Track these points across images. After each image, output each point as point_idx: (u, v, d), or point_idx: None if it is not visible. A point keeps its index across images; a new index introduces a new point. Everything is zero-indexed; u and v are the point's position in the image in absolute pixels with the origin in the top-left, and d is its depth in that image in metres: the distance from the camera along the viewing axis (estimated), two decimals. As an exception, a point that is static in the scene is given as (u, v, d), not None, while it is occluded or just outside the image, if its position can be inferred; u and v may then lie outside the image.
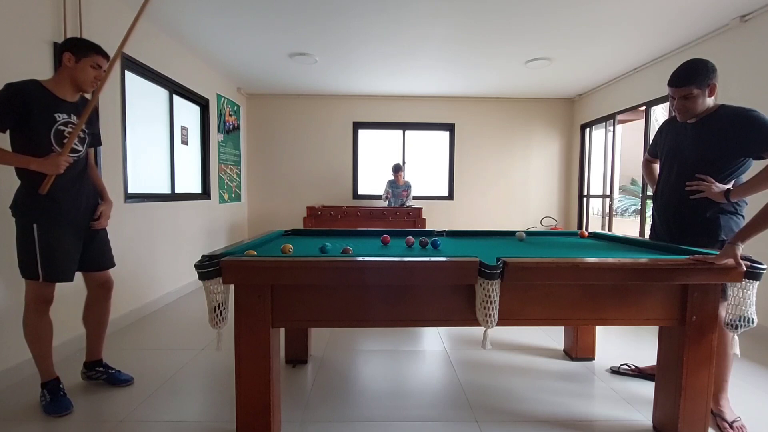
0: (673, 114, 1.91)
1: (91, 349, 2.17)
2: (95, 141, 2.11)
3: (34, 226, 1.78)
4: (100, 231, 2.06)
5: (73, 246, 1.91)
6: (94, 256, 2.04)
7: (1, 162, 1.74)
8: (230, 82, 5.24)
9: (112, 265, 2.13)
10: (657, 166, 2.12)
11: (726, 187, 1.72)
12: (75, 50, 1.84)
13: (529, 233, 2.64)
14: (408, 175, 5.31)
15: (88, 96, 2.05)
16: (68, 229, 1.87)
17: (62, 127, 1.83)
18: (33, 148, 1.76)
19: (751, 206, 1.79)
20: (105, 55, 1.92)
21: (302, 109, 5.88)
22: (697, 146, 1.78)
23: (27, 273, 1.82)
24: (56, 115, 1.82)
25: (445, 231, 2.52)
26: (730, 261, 1.47)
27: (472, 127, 5.95)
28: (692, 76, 1.71)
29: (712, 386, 1.63)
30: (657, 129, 2.11)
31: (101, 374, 2.15)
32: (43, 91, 1.80)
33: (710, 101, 1.76)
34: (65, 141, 1.82)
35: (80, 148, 1.91)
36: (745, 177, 1.78)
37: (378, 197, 5.94)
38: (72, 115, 1.87)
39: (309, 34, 3.59)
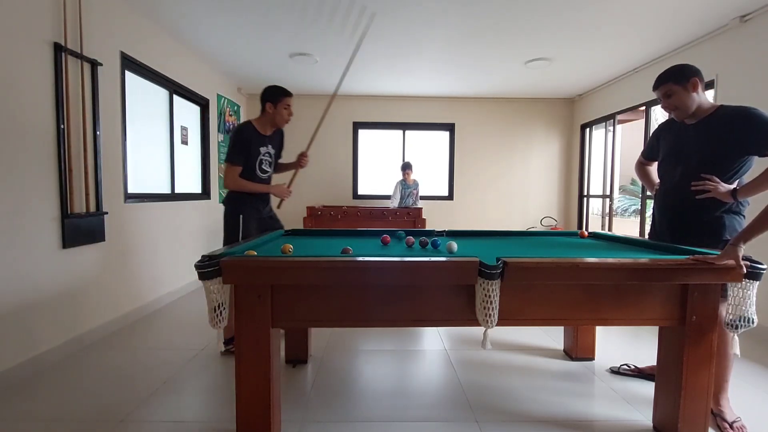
0: (670, 117, 1.94)
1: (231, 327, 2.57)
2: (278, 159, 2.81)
3: (240, 216, 2.50)
4: (275, 221, 2.74)
5: (255, 231, 2.56)
6: None
7: (248, 189, 2.51)
8: (230, 82, 5.24)
9: None
10: (651, 169, 2.18)
11: (732, 186, 1.72)
12: (272, 99, 2.50)
13: (528, 233, 2.64)
14: (412, 176, 5.35)
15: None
16: (255, 221, 2.58)
17: (263, 158, 2.56)
18: (245, 174, 2.49)
19: (752, 206, 1.79)
20: (291, 95, 2.56)
21: (302, 109, 5.86)
22: (700, 147, 1.79)
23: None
24: (261, 149, 2.53)
25: (445, 231, 2.52)
26: (731, 262, 1.47)
27: (472, 127, 5.95)
28: (668, 74, 1.81)
29: (712, 386, 1.63)
30: (653, 132, 2.13)
31: None
32: (255, 130, 2.51)
33: (697, 98, 1.78)
34: (263, 167, 2.59)
35: (269, 170, 2.67)
36: (747, 176, 1.78)
37: (380, 197, 5.95)
38: (268, 146, 2.59)
39: (309, 33, 3.59)
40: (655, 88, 1.86)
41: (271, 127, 2.60)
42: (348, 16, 3.22)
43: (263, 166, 2.58)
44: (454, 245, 1.80)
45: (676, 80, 1.78)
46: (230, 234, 2.51)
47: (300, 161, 2.78)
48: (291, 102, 2.56)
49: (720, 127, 1.73)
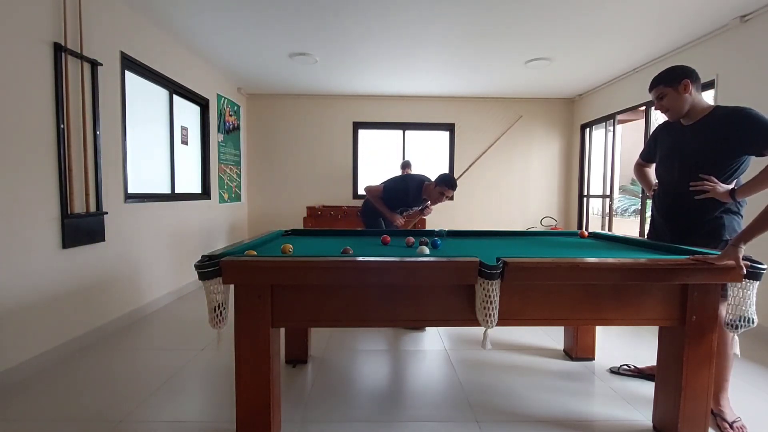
0: (666, 120, 1.96)
1: None
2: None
3: (381, 219, 3.25)
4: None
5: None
6: None
7: (377, 205, 3.19)
8: (230, 82, 5.24)
9: None
10: (649, 170, 2.20)
11: (730, 186, 1.72)
12: (438, 182, 2.97)
13: (528, 233, 2.64)
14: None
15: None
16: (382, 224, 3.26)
17: (406, 209, 3.23)
18: (388, 202, 3.15)
19: (751, 207, 1.79)
20: (451, 188, 2.99)
21: (302, 109, 5.88)
22: (697, 147, 1.79)
23: None
24: (413, 205, 3.18)
25: (445, 231, 2.52)
26: (731, 262, 1.47)
27: (472, 127, 5.95)
28: (660, 77, 1.85)
29: (712, 386, 1.63)
30: (651, 135, 2.13)
31: None
32: (420, 193, 3.10)
33: (690, 99, 1.80)
34: (406, 214, 3.27)
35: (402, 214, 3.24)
36: (744, 176, 1.78)
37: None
38: (416, 205, 3.20)
39: (309, 34, 3.59)
40: (650, 90, 1.90)
41: (427, 196, 3.13)
42: (346, 18, 3.23)
43: (402, 212, 3.21)
44: (426, 249, 1.81)
45: (666, 82, 1.81)
46: (371, 226, 3.28)
47: (424, 211, 3.30)
48: (448, 193, 3.00)
49: (717, 128, 1.73)
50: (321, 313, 1.57)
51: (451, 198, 3.16)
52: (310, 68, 4.58)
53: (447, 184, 2.96)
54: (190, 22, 3.40)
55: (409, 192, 3.08)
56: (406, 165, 5.34)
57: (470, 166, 5.80)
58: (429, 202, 3.22)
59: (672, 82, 1.80)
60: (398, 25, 3.40)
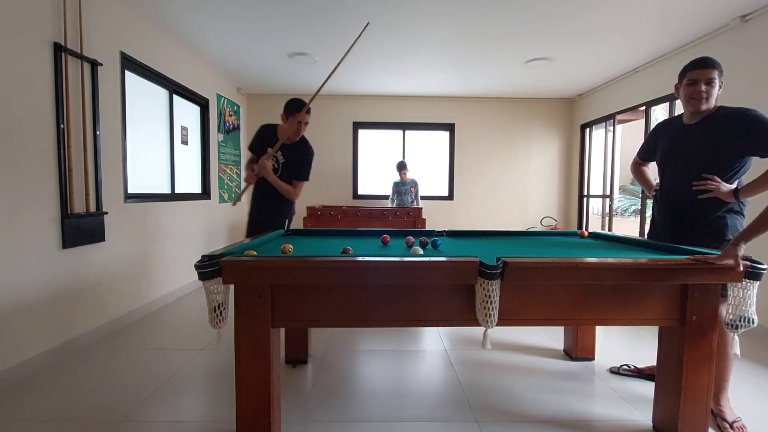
0: (666, 118, 1.95)
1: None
2: (292, 175, 2.63)
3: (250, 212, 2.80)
4: (278, 226, 2.61)
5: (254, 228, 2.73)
6: None
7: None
8: (230, 82, 5.24)
9: None
10: (647, 169, 2.20)
11: (733, 186, 1.72)
12: (287, 111, 2.56)
13: (528, 233, 2.64)
14: (409, 175, 5.37)
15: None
16: (257, 218, 2.76)
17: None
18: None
19: (751, 207, 1.79)
20: (307, 111, 2.55)
21: (302, 109, 5.87)
22: (700, 147, 1.79)
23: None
24: (268, 148, 2.56)
25: (445, 231, 2.52)
26: (731, 262, 1.47)
27: (472, 127, 5.95)
28: (717, 63, 1.77)
29: (712, 386, 1.63)
30: (649, 133, 2.12)
31: None
32: (272, 131, 2.65)
33: (713, 100, 1.78)
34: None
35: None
36: (745, 176, 1.78)
37: (380, 197, 5.95)
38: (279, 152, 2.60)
39: (308, 33, 3.59)
40: (704, 67, 1.76)
41: (284, 134, 2.57)
42: (345, 18, 3.23)
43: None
44: (419, 250, 1.80)
45: (720, 72, 1.77)
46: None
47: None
48: (304, 117, 2.55)
49: (720, 128, 1.73)
50: (321, 313, 1.57)
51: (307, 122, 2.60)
52: (309, 68, 4.58)
53: (293, 107, 2.54)
54: (190, 22, 3.40)
55: (267, 139, 2.61)
56: (402, 166, 5.30)
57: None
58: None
59: (721, 74, 1.77)
60: (398, 25, 3.40)
